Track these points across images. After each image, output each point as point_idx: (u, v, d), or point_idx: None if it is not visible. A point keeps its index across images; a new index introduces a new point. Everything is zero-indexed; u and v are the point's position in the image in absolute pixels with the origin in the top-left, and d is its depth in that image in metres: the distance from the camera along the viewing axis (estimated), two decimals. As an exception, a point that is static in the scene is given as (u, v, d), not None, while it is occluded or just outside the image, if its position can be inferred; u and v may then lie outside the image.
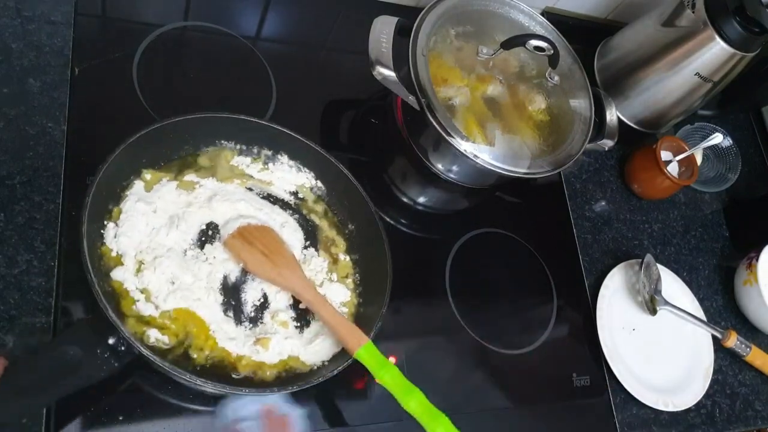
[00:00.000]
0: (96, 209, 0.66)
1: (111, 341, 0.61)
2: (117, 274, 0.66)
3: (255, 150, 0.80)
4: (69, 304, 0.67)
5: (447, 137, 0.80)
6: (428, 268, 0.89)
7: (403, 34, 0.81)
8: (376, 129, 0.96)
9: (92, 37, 0.82)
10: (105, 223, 0.68)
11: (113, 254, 0.68)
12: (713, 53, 0.93)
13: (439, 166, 0.92)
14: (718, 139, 1.09)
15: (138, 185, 0.72)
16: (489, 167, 0.82)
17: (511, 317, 0.92)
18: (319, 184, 0.82)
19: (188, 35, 0.89)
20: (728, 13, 0.90)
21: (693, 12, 0.93)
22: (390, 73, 0.78)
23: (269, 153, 0.81)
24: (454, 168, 0.91)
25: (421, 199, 0.95)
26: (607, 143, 0.90)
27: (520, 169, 0.83)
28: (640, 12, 1.06)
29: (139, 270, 0.68)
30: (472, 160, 0.81)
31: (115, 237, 0.68)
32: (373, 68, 0.77)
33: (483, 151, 0.82)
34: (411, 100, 0.81)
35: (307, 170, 0.82)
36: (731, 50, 0.92)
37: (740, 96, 1.11)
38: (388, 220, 0.90)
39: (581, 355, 0.93)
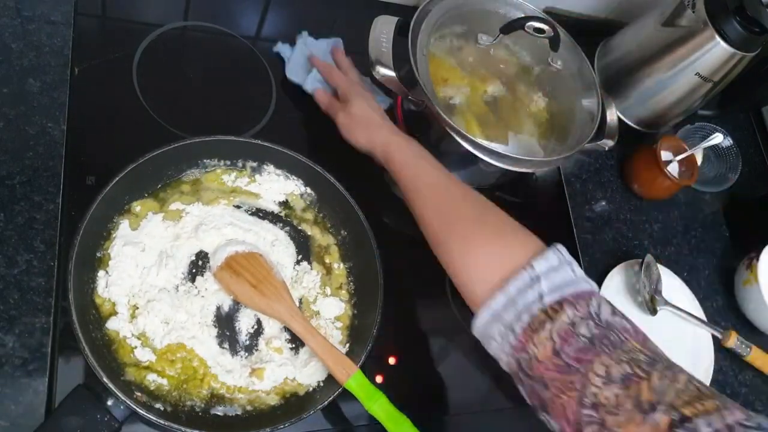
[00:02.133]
0: (84, 261, 0.66)
1: (109, 402, 0.62)
2: (112, 324, 0.67)
3: (240, 163, 0.80)
4: (68, 304, 0.67)
5: (456, 137, 0.80)
6: (428, 268, 0.89)
7: (403, 33, 0.81)
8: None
9: (92, 37, 0.82)
10: (96, 273, 0.69)
11: (107, 305, 0.68)
12: (713, 53, 0.93)
13: (440, 166, 0.92)
14: (718, 139, 1.08)
15: (124, 225, 0.71)
16: (492, 165, 0.82)
17: (511, 317, 0.92)
18: (309, 190, 0.82)
19: (188, 35, 0.89)
20: (728, 12, 0.90)
21: (693, 12, 0.93)
22: (390, 73, 0.77)
23: (254, 164, 0.80)
24: (454, 168, 0.91)
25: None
26: (608, 143, 0.90)
27: (523, 167, 0.84)
28: (640, 12, 1.06)
29: (133, 316, 0.68)
30: (475, 158, 0.81)
31: (106, 286, 0.68)
32: (373, 68, 0.77)
33: (486, 149, 0.82)
34: (412, 99, 0.81)
35: (295, 177, 0.81)
36: (731, 50, 0.92)
37: (740, 96, 1.11)
38: (386, 221, 0.90)
39: (581, 355, 0.93)
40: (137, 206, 0.73)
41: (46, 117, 0.74)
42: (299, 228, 0.81)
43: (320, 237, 0.81)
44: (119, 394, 0.60)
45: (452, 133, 0.81)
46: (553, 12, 1.12)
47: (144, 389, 0.66)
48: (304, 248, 0.80)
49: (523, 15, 0.92)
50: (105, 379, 0.60)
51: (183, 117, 0.81)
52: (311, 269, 0.79)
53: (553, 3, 1.11)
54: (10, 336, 0.64)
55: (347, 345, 0.76)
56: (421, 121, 0.89)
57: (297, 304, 0.75)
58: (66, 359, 0.65)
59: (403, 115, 0.94)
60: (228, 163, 0.79)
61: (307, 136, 0.90)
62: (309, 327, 0.71)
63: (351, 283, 0.80)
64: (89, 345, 0.62)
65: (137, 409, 0.61)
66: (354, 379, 0.68)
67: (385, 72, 0.77)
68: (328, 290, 0.78)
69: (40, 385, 0.64)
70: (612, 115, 0.92)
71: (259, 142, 0.77)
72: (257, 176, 0.80)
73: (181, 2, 0.89)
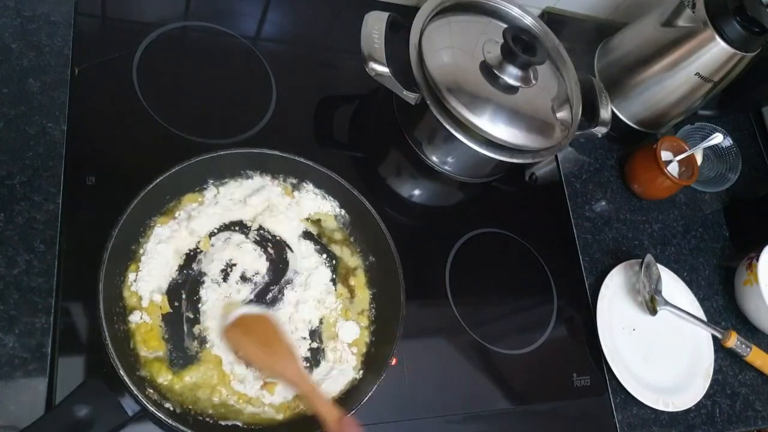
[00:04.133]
0: (117, 254, 0.67)
1: (122, 395, 0.62)
2: (135, 318, 0.67)
3: (281, 178, 0.80)
4: (69, 305, 0.67)
5: (451, 130, 0.81)
6: (428, 268, 0.89)
7: (394, 29, 0.81)
8: (372, 126, 0.97)
9: (92, 37, 0.82)
10: (127, 267, 0.70)
11: (133, 299, 0.69)
12: (713, 53, 0.93)
13: (434, 158, 0.93)
14: (718, 139, 1.09)
15: (161, 224, 0.73)
16: (487, 157, 0.84)
17: (511, 317, 0.92)
18: (344, 212, 0.82)
19: (188, 35, 0.89)
20: (728, 13, 0.90)
21: (693, 12, 0.93)
22: (383, 69, 0.78)
23: (294, 181, 0.81)
24: (449, 159, 0.92)
25: (416, 192, 0.95)
26: (601, 130, 0.91)
27: (517, 158, 0.85)
28: (640, 12, 1.06)
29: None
30: (469, 149, 0.83)
31: (135, 281, 0.69)
32: (366, 64, 0.77)
33: (481, 141, 0.83)
34: (406, 95, 0.81)
35: (332, 198, 0.81)
36: (731, 50, 0.92)
37: (740, 96, 1.11)
38: (385, 220, 0.89)
39: (581, 355, 0.93)
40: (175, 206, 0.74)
41: (47, 117, 0.74)
42: (328, 248, 0.81)
43: (348, 258, 0.81)
44: (133, 389, 0.61)
45: (447, 126, 0.82)
46: (553, 12, 1.12)
47: (156, 387, 0.66)
48: (331, 268, 0.80)
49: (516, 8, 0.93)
50: (121, 372, 0.60)
51: (183, 117, 0.81)
52: (335, 290, 0.79)
53: (553, 3, 1.11)
54: (10, 336, 0.64)
55: (360, 372, 0.75)
56: (415, 116, 0.90)
57: (318, 324, 0.76)
58: (66, 359, 0.65)
59: (396, 110, 0.94)
60: (269, 177, 0.80)
61: (307, 136, 0.90)
62: (314, 388, 0.69)
63: (373, 310, 0.80)
64: (111, 336, 0.62)
65: (148, 405, 0.61)
66: None
67: (378, 68, 0.77)
68: (350, 314, 0.78)
69: (40, 385, 0.64)
70: (605, 103, 0.93)
71: (302, 159, 0.78)
72: (296, 193, 0.81)
73: (181, 2, 0.89)
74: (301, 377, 0.69)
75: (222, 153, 0.74)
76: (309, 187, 0.81)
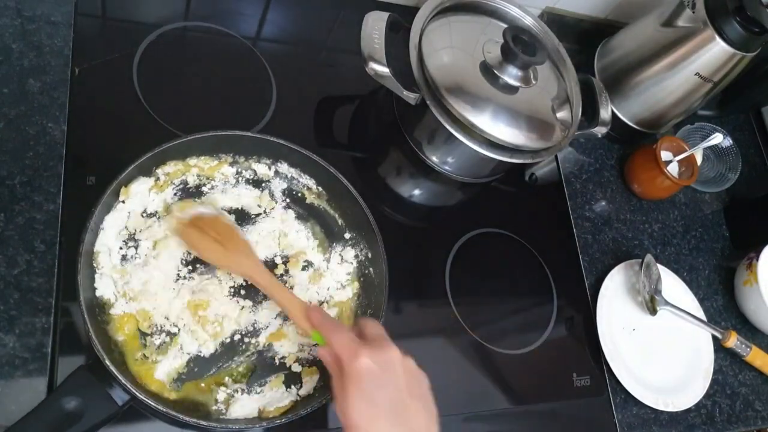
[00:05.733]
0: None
1: (110, 385, 0.61)
2: (116, 310, 0.67)
3: (254, 159, 0.80)
4: (69, 305, 0.67)
5: (452, 131, 0.82)
6: (428, 268, 0.89)
7: (394, 29, 0.82)
8: (372, 126, 0.97)
9: (92, 37, 0.82)
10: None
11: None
12: (713, 53, 0.93)
13: (434, 158, 0.93)
14: (718, 139, 1.09)
15: None
16: (487, 157, 0.84)
17: (511, 317, 0.92)
18: (321, 189, 0.82)
19: (188, 35, 0.89)
20: (728, 13, 0.90)
21: (693, 12, 0.93)
22: (383, 69, 0.78)
23: (268, 161, 0.81)
24: (449, 159, 0.92)
25: (416, 192, 0.95)
26: (601, 130, 0.91)
27: (518, 158, 0.85)
28: (640, 12, 1.06)
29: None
30: (470, 149, 0.83)
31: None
32: (366, 64, 0.78)
33: (481, 141, 0.83)
34: (406, 95, 0.81)
35: (308, 176, 0.81)
36: (731, 50, 0.92)
37: (740, 96, 1.11)
38: (386, 213, 0.90)
39: (581, 355, 0.93)
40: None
41: (47, 117, 0.74)
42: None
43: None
44: (120, 377, 0.60)
45: (447, 126, 0.82)
46: (553, 12, 1.12)
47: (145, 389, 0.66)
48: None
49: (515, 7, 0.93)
50: (107, 362, 0.60)
51: (183, 117, 0.81)
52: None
53: (553, 3, 1.11)
54: (10, 336, 0.64)
55: None
56: (415, 116, 0.90)
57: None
58: (66, 359, 0.65)
59: (396, 110, 0.94)
60: (242, 159, 0.80)
61: (307, 136, 0.90)
62: (273, 280, 0.69)
63: (357, 282, 0.80)
64: (94, 328, 0.62)
65: (137, 393, 0.61)
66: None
67: (378, 68, 0.78)
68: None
69: (40, 385, 0.64)
70: (604, 103, 0.93)
71: (275, 139, 0.78)
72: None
73: (181, 2, 0.89)
74: (260, 271, 0.69)
75: (191, 137, 0.73)
76: (283, 167, 0.81)
